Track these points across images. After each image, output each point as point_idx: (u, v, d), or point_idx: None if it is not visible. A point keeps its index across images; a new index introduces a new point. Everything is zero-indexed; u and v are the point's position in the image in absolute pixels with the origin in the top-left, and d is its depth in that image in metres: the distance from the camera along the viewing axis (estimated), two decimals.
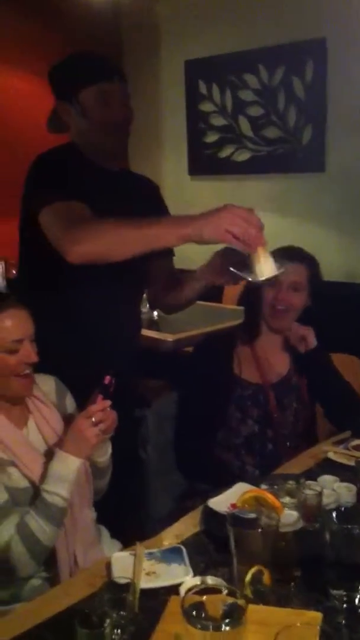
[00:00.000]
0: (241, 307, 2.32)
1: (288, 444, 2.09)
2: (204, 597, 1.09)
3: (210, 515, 1.57)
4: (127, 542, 1.79)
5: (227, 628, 1.02)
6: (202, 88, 4.59)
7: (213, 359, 2.10)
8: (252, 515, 1.34)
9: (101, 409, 1.59)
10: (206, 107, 4.60)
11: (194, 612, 1.06)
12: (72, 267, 1.68)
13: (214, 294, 4.08)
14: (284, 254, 1.99)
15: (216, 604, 1.09)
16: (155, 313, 3.40)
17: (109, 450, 1.74)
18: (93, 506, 1.76)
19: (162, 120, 4.83)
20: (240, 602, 1.07)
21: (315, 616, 1.21)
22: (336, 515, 1.33)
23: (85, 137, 1.96)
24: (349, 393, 2.14)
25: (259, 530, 1.31)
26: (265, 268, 1.57)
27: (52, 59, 2.00)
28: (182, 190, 4.65)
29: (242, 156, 4.46)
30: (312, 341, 2.09)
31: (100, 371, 1.63)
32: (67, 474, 1.56)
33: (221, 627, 1.02)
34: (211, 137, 4.61)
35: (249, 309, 2.14)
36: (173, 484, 2.13)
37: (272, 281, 1.69)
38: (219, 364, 2.09)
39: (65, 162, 1.92)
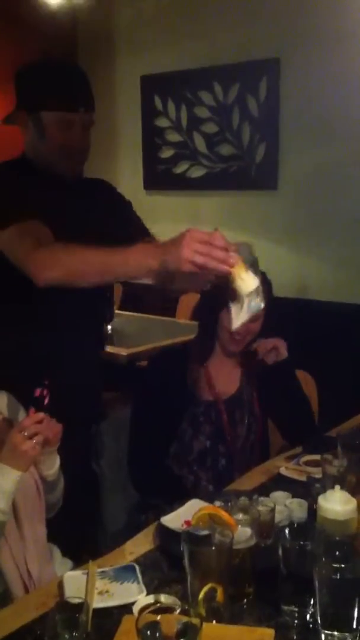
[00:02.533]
0: (194, 322, 2.34)
1: (240, 459, 2.10)
2: (159, 617, 1.09)
3: (164, 533, 1.57)
4: (79, 559, 1.78)
5: None
6: (158, 103, 4.62)
7: (166, 375, 2.10)
8: (206, 533, 1.34)
9: (34, 422, 1.56)
10: (162, 122, 4.63)
11: (149, 632, 1.06)
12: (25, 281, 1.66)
13: (168, 308, 4.11)
14: None
15: (170, 623, 1.08)
16: (110, 327, 3.39)
17: (57, 463, 1.71)
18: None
19: (117, 134, 4.84)
20: (195, 621, 1.07)
21: (268, 633, 1.22)
22: (289, 532, 1.35)
23: (39, 154, 1.93)
24: (305, 409, 2.17)
25: (213, 547, 1.31)
26: (245, 284, 1.49)
27: (4, 67, 1.96)
28: (138, 204, 4.60)
29: (197, 172, 4.50)
30: (284, 352, 2.10)
31: (57, 383, 1.61)
32: (4, 486, 1.53)
33: None
34: (166, 153, 4.64)
35: (204, 330, 2.15)
36: (127, 498, 2.12)
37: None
38: (172, 381, 2.10)
39: (16, 179, 1.89)
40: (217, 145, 4.38)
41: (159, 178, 4.69)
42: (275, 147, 4.12)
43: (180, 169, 4.58)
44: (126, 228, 2.00)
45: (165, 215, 4.58)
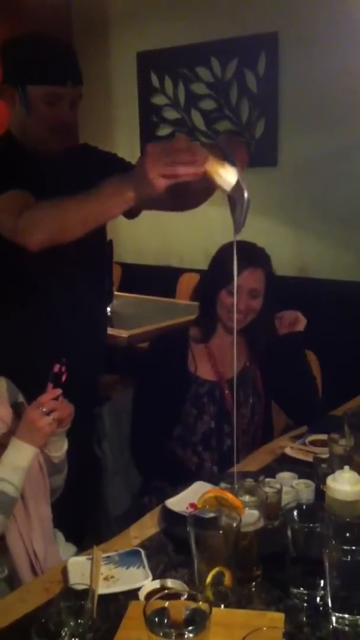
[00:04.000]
0: (194, 303, 2.30)
1: (244, 439, 2.07)
2: (166, 603, 1.06)
3: (169, 516, 1.54)
4: (82, 543, 1.76)
5: (191, 635, 0.99)
6: (155, 80, 4.54)
7: (167, 357, 2.07)
8: (213, 516, 1.31)
9: (52, 398, 1.57)
10: (158, 99, 4.55)
11: (157, 619, 1.03)
12: (25, 260, 1.63)
13: (167, 289, 4.07)
14: (244, 256, 1.97)
15: (179, 609, 1.06)
16: (109, 309, 3.35)
17: (65, 445, 1.70)
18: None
19: (113, 112, 4.76)
20: (203, 606, 1.04)
21: (278, 617, 1.20)
22: (297, 514, 1.32)
23: (26, 130, 1.88)
24: (312, 387, 2.14)
25: (220, 530, 1.29)
26: (225, 180, 1.44)
27: None
28: None
29: None
30: (301, 326, 2.10)
31: (51, 360, 1.61)
32: (21, 462, 1.54)
33: (184, 634, 0.99)
34: (164, 131, 4.57)
35: (205, 309, 2.11)
36: (130, 481, 2.10)
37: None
38: (174, 362, 2.06)
39: (1, 155, 1.85)
40: (216, 122, 4.31)
41: None
42: (274, 123, 4.04)
43: None
44: None
45: None
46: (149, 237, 4.54)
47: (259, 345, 2.11)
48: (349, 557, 1.18)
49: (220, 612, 1.20)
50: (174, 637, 0.99)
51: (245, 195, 1.46)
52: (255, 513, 1.36)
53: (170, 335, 2.27)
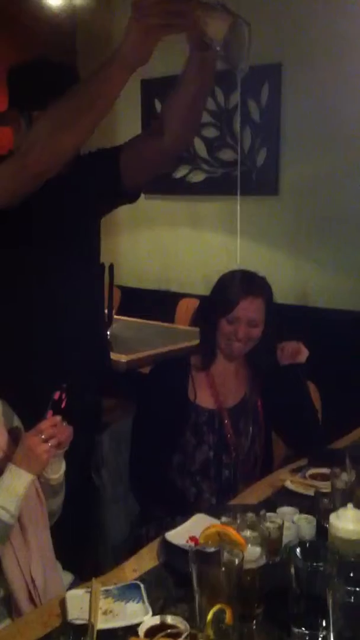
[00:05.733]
0: (194, 328, 2.30)
1: (243, 470, 2.06)
2: None
3: (169, 550, 1.53)
4: (80, 572, 1.74)
5: None
6: (158, 107, 4.58)
7: (168, 384, 2.06)
8: (215, 551, 1.30)
9: (51, 425, 1.56)
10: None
11: None
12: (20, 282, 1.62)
13: (166, 314, 4.06)
14: (244, 286, 1.98)
15: None
16: (108, 333, 3.34)
17: (63, 467, 1.69)
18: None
19: (117, 138, 4.77)
20: None
21: None
22: (300, 551, 1.31)
23: None
24: (313, 419, 2.13)
25: (223, 567, 1.27)
26: (215, 30, 1.42)
27: (3, 69, 1.91)
28: (137, 208, 4.60)
29: (197, 177, 4.46)
30: (303, 357, 2.09)
31: (52, 386, 1.60)
32: (17, 489, 1.52)
33: None
34: None
35: (205, 337, 2.11)
36: (128, 509, 2.07)
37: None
38: (174, 390, 2.06)
39: None
40: (218, 150, 4.34)
41: (158, 182, 4.62)
42: (276, 152, 4.08)
43: (180, 173, 4.53)
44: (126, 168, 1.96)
45: (164, 220, 4.55)
46: (149, 261, 4.56)
47: (260, 374, 2.11)
48: (353, 598, 1.17)
49: None
50: None
51: (244, 25, 1.43)
52: (258, 549, 1.34)
53: (171, 362, 2.26)
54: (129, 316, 4.06)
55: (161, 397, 2.04)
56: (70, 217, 1.92)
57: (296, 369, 2.10)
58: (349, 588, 1.17)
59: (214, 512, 1.63)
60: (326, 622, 1.22)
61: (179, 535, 1.57)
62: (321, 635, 1.25)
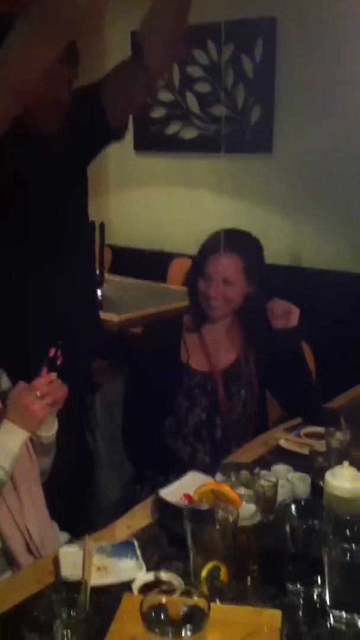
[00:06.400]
0: (186, 289, 2.26)
1: (237, 431, 2.05)
2: (163, 599, 1.03)
3: (163, 507, 1.52)
4: (75, 532, 1.73)
5: (189, 634, 0.96)
6: None
7: (160, 346, 2.04)
8: (210, 509, 1.29)
9: (47, 382, 1.55)
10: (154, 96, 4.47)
11: (154, 615, 1.00)
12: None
13: (159, 274, 4.02)
14: (217, 244, 1.95)
15: (176, 606, 1.03)
16: (100, 292, 3.30)
17: (55, 425, 1.67)
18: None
19: None
20: (202, 604, 1.01)
21: (275, 614, 1.17)
22: (295, 509, 1.30)
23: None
24: (307, 381, 2.11)
25: (217, 525, 1.26)
26: None
27: None
28: (127, 166, 4.54)
29: (189, 134, 4.37)
30: (295, 320, 2.04)
31: (45, 345, 1.59)
32: (12, 446, 1.51)
33: (182, 633, 0.96)
34: (158, 112, 4.50)
35: (191, 297, 2.08)
36: (122, 470, 2.07)
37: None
38: (167, 353, 2.03)
39: None
40: (211, 106, 4.25)
41: (149, 139, 4.55)
42: (270, 109, 3.99)
43: (172, 129, 4.44)
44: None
45: (156, 178, 4.47)
46: (141, 220, 4.49)
47: (252, 336, 2.08)
48: (349, 556, 1.16)
49: (216, 609, 1.16)
50: (171, 636, 0.96)
51: None
52: (252, 507, 1.33)
53: (163, 323, 2.23)
54: (120, 276, 4.02)
55: (153, 359, 2.01)
56: (58, 168, 1.87)
57: (290, 333, 2.06)
58: (344, 546, 1.17)
59: (208, 470, 1.62)
60: (321, 580, 1.22)
61: (173, 492, 1.56)
62: (316, 592, 1.25)
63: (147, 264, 4.13)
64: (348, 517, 1.27)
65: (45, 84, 1.76)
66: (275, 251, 3.49)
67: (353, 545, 1.19)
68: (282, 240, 3.88)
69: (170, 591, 1.21)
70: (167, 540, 1.43)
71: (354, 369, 2.44)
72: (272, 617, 1.17)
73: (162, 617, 1.01)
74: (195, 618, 1.00)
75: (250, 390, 2.08)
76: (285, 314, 2.03)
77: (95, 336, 2.10)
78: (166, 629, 0.97)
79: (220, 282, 1.97)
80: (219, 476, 1.50)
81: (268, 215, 3.98)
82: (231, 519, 1.25)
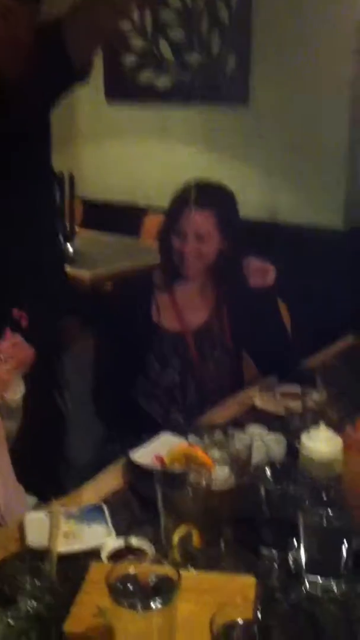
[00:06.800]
0: None
1: (211, 393, 1.99)
2: (131, 569, 0.98)
3: (134, 471, 1.46)
4: (44, 496, 1.67)
5: (159, 606, 0.91)
6: None
7: (130, 305, 1.97)
8: (181, 472, 1.24)
9: (11, 345, 1.48)
10: (123, 25, 4.28)
11: (121, 587, 0.95)
12: None
13: (133, 228, 3.92)
14: (190, 198, 1.88)
15: (145, 576, 0.98)
16: (71, 247, 3.21)
17: (22, 389, 1.60)
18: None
19: None
20: (172, 574, 0.96)
21: (249, 582, 1.13)
22: (271, 473, 1.25)
23: None
24: (283, 340, 2.06)
25: (189, 489, 1.21)
26: None
27: None
28: (99, 116, 4.39)
29: (163, 82, 4.22)
30: (271, 279, 1.97)
31: (7, 305, 1.53)
32: None
33: (151, 605, 0.92)
34: (129, 59, 4.33)
35: (163, 254, 2.00)
36: (93, 431, 2.01)
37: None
38: (137, 311, 1.96)
39: None
40: (184, 53, 4.10)
41: (121, 87, 4.39)
42: (246, 59, 3.86)
43: (144, 77, 4.28)
44: None
45: (129, 129, 4.33)
46: (115, 173, 4.36)
47: (225, 294, 2.01)
48: (325, 521, 1.13)
49: (188, 576, 1.13)
50: (139, 608, 0.91)
51: None
52: (226, 470, 1.29)
53: (133, 280, 2.15)
54: (94, 230, 3.91)
55: (123, 318, 1.95)
56: (16, 115, 1.75)
57: (266, 292, 1.99)
58: (321, 511, 1.13)
59: (182, 431, 1.57)
60: (297, 544, 1.18)
61: (144, 454, 1.51)
62: (291, 557, 1.22)
63: (121, 218, 4.01)
64: (324, 481, 1.24)
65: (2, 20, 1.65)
66: (252, 206, 3.41)
67: (329, 510, 1.15)
68: (259, 195, 3.79)
69: (140, 558, 1.17)
70: (138, 504, 1.38)
71: (331, 328, 2.39)
72: (246, 583, 1.13)
73: (131, 588, 0.96)
74: (165, 589, 0.95)
75: (225, 351, 2.02)
76: (261, 273, 1.96)
77: (62, 294, 2.01)
78: (134, 601, 0.92)
79: (193, 238, 1.90)
80: (191, 437, 1.45)
81: (245, 169, 3.87)
82: (204, 482, 1.21)
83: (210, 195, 1.92)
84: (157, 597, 0.92)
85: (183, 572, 1.13)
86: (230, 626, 0.90)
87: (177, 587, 0.94)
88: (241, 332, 2.03)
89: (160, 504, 1.20)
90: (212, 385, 2.01)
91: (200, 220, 1.90)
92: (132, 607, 0.91)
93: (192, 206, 1.87)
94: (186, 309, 1.99)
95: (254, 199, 3.69)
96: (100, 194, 4.37)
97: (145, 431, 1.64)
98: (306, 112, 3.66)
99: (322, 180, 3.70)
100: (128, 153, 4.33)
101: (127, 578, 0.97)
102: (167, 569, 0.98)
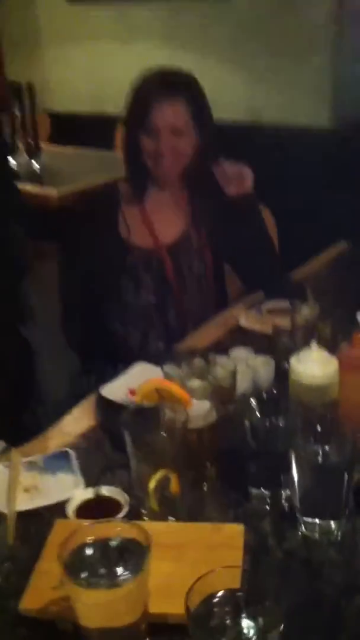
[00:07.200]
0: None
1: (192, 313, 1.81)
2: (92, 532, 0.83)
3: (105, 407, 1.30)
4: (14, 438, 1.52)
5: (126, 577, 0.76)
6: None
7: (95, 221, 1.76)
8: (153, 409, 1.08)
9: None
10: None
11: (78, 562, 0.80)
12: None
13: (104, 140, 3.64)
14: (158, 87, 1.66)
15: (110, 538, 0.83)
16: (36, 164, 2.95)
17: None
18: None
19: None
20: (141, 537, 0.81)
21: (237, 530, 0.99)
22: (257, 403, 1.09)
23: None
24: (268, 250, 1.86)
25: (164, 429, 1.05)
26: None
27: None
28: (62, 19, 4.03)
29: None
30: (249, 183, 1.74)
31: None
32: None
33: (116, 580, 0.77)
34: None
35: (130, 161, 1.77)
36: (65, 362, 1.85)
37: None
38: (103, 227, 1.75)
39: None
40: None
41: None
42: None
43: None
44: None
45: (92, 32, 3.98)
46: (82, 81, 4.03)
47: (202, 203, 1.80)
48: (321, 457, 0.97)
49: (166, 529, 0.99)
50: (102, 586, 0.76)
51: None
52: (206, 403, 1.12)
53: (96, 194, 1.91)
54: (62, 146, 3.63)
55: (89, 236, 1.74)
56: None
57: (245, 199, 1.76)
58: (315, 448, 0.98)
59: (161, 358, 1.39)
60: (289, 481, 1.03)
61: (117, 388, 1.34)
62: (284, 496, 1.07)
63: (92, 130, 3.72)
64: (317, 411, 1.08)
65: None
66: (229, 107, 3.16)
67: (326, 447, 1.00)
68: (237, 94, 3.51)
69: (112, 512, 1.02)
70: (111, 445, 1.22)
71: (321, 235, 2.19)
72: (234, 533, 0.98)
73: (92, 561, 0.81)
74: (134, 554, 0.80)
75: (204, 266, 1.83)
76: (237, 178, 1.74)
77: (16, 214, 1.80)
78: (95, 580, 0.77)
79: (168, 134, 1.67)
80: (168, 367, 1.28)
81: (222, 68, 3.57)
82: (179, 422, 1.05)
83: (177, 83, 1.69)
84: (123, 567, 0.77)
85: (160, 525, 1.00)
86: (210, 601, 0.75)
87: (147, 553, 0.78)
88: (221, 244, 1.83)
89: (130, 448, 1.04)
90: (193, 305, 1.82)
91: (174, 112, 1.67)
92: (93, 586, 0.76)
93: (163, 97, 1.64)
94: (159, 222, 1.79)
95: (233, 99, 3.43)
96: (67, 106, 4.07)
97: (122, 361, 1.48)
98: (289, 3, 3.34)
99: (307, 78, 3.42)
100: (94, 58, 4.00)
101: (87, 547, 0.82)
102: (135, 530, 0.83)
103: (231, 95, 3.42)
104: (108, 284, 1.76)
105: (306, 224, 2.78)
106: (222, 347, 1.48)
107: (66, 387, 1.78)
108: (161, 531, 0.93)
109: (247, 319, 1.65)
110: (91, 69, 3.96)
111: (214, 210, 1.80)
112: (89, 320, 1.79)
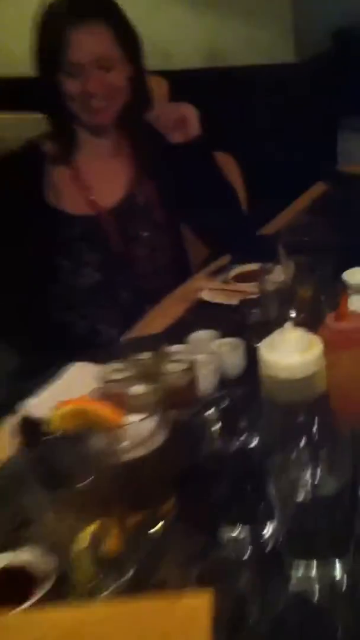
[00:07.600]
0: None
1: (150, 286, 1.52)
2: None
3: (30, 429, 1.00)
4: None
5: None
6: None
7: (15, 188, 1.45)
8: (74, 439, 0.78)
9: None
10: None
11: None
12: None
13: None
14: (72, 12, 1.36)
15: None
16: None
17: None
18: None
19: None
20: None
21: (202, 600, 0.69)
22: (222, 412, 0.80)
23: None
24: (230, 203, 1.56)
25: (91, 463, 0.76)
26: None
27: None
28: None
29: None
30: (195, 125, 1.47)
31: None
32: None
33: None
34: None
35: (52, 111, 1.46)
36: (4, 364, 1.55)
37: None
38: (25, 194, 1.45)
39: None
40: None
41: None
42: None
43: None
44: None
45: None
46: (16, 39, 3.68)
47: (145, 155, 1.50)
48: (309, 487, 0.68)
49: (94, 616, 0.69)
50: None
51: None
52: (151, 423, 0.82)
53: (13, 155, 1.58)
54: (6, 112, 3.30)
55: (8, 208, 1.43)
56: None
57: (195, 145, 1.48)
58: (300, 475, 0.68)
59: (103, 357, 1.10)
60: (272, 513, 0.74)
61: (48, 401, 1.04)
62: (266, 533, 0.78)
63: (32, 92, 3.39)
64: (302, 409, 0.78)
65: None
66: (186, 51, 2.87)
67: (318, 462, 0.71)
68: (192, 37, 3.19)
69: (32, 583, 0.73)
70: (40, 480, 0.92)
71: (294, 181, 1.90)
72: (199, 605, 0.69)
73: None
74: None
75: (156, 231, 1.52)
76: (180, 122, 1.44)
77: None
78: None
79: (94, 68, 1.36)
80: (103, 369, 0.99)
81: (172, 9, 3.23)
82: (112, 451, 0.75)
83: (92, 4, 1.39)
84: None
85: (87, 611, 0.71)
86: None
87: None
88: (174, 201, 1.52)
89: (44, 495, 0.74)
90: (149, 279, 1.52)
91: (95, 39, 1.37)
92: None
93: (78, 22, 1.34)
94: (96, 182, 1.48)
95: (190, 42, 3.13)
96: (4, 69, 3.72)
97: (75, 354, 1.19)
98: None
99: (266, 10, 3.09)
100: (29, 10, 3.64)
101: None
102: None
103: (187, 38, 3.13)
104: (42, 264, 1.46)
105: (278, 170, 2.48)
106: (182, 331, 1.19)
107: (5, 392, 1.49)
108: (84, 622, 0.64)
109: (211, 291, 1.35)
110: (25, 23, 3.61)
111: (160, 161, 1.50)
112: (22, 311, 1.49)
